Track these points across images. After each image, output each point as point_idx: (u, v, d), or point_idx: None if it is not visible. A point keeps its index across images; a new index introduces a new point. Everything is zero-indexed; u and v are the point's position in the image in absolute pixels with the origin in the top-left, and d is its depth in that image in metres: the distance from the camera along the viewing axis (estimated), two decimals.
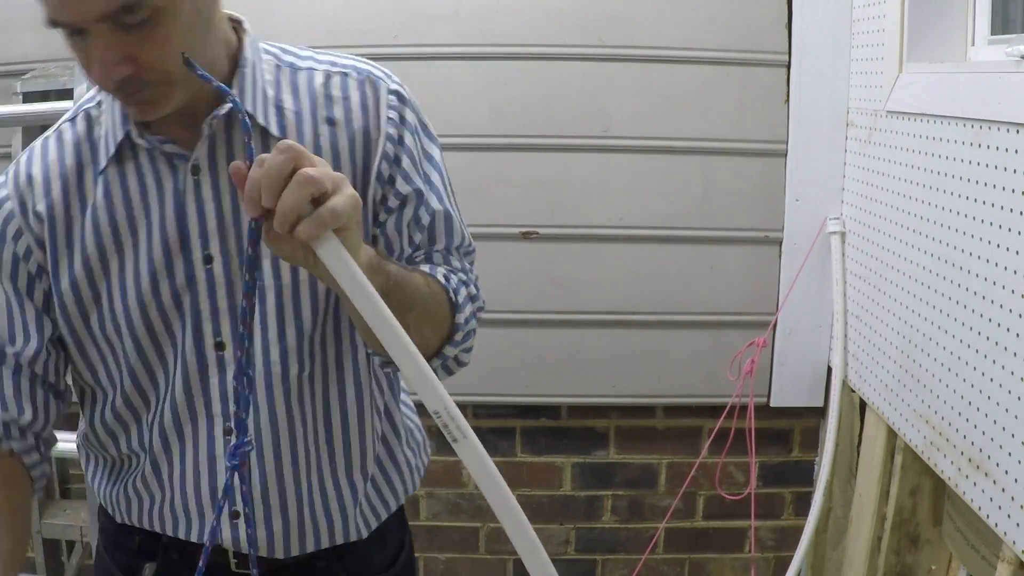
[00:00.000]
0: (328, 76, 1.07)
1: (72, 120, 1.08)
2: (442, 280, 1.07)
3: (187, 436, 1.10)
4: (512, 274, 2.32)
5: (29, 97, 2.18)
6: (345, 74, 1.08)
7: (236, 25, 1.06)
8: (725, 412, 2.31)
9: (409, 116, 1.08)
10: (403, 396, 1.29)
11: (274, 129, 1.03)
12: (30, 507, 1.14)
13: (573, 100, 2.24)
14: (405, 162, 1.07)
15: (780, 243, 2.32)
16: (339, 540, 1.17)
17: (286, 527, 1.13)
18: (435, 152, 1.13)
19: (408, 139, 1.08)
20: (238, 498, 1.06)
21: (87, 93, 1.12)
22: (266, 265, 1.04)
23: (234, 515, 1.10)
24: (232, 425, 1.03)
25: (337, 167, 1.04)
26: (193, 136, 1.01)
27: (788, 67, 2.26)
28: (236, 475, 0.95)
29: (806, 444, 2.43)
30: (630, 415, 2.43)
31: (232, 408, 1.04)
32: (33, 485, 1.13)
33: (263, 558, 1.12)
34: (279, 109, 1.05)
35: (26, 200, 1.05)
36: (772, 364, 2.34)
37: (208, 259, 1.04)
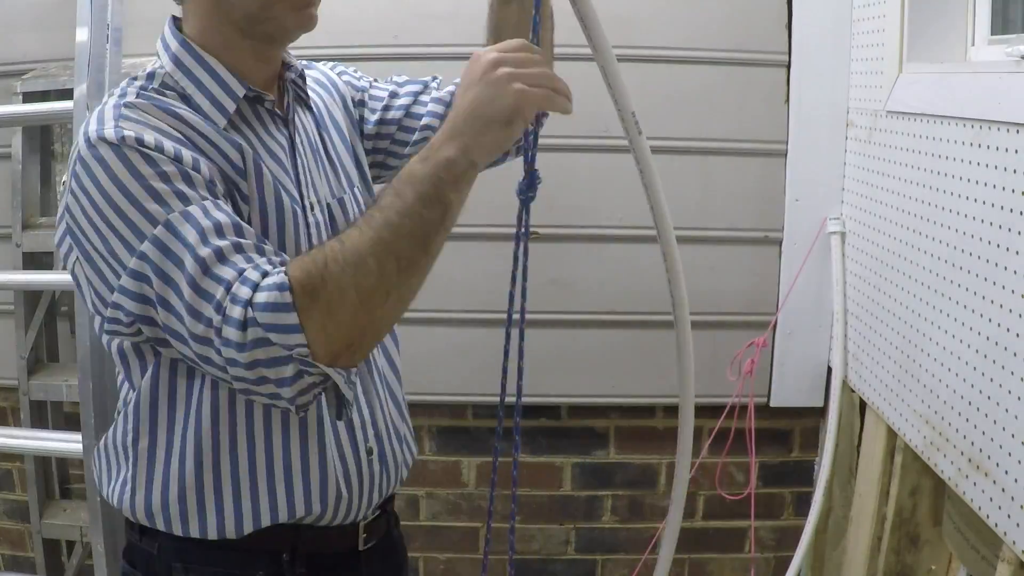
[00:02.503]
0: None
1: (145, 88, 1.10)
2: None
3: None
4: (516, 272, 2.32)
5: (29, 97, 2.18)
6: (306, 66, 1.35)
7: None
8: (725, 412, 2.31)
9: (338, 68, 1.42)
10: None
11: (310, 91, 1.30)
12: None
13: (573, 100, 2.24)
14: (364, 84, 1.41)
15: (780, 243, 2.32)
16: (404, 475, 1.31)
17: (395, 458, 1.27)
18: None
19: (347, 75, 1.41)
20: (370, 432, 1.21)
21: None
22: (350, 211, 1.25)
23: (368, 451, 1.21)
24: None
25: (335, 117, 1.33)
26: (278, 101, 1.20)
27: (788, 67, 2.26)
28: (363, 409, 1.20)
29: (806, 444, 2.43)
30: (630, 415, 2.43)
31: None
32: None
33: (379, 520, 1.27)
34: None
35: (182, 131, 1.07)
36: (772, 364, 2.34)
37: (312, 205, 1.18)
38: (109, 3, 1.84)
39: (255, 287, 0.91)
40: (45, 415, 2.31)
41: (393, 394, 1.31)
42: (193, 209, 0.96)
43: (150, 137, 1.00)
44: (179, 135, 1.03)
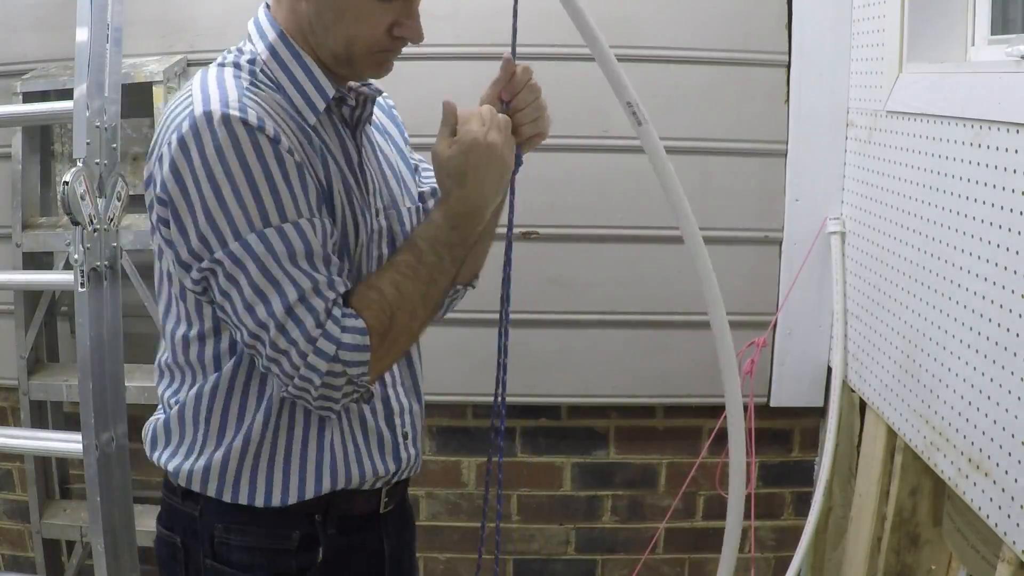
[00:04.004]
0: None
1: (253, 72, 1.16)
2: None
3: None
4: (512, 274, 2.32)
5: (29, 97, 2.19)
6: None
7: None
8: (725, 412, 2.31)
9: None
10: None
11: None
12: None
13: (573, 100, 2.24)
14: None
15: (780, 243, 2.32)
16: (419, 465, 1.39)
17: (420, 442, 1.36)
18: None
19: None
20: (407, 419, 1.31)
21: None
22: (406, 223, 1.30)
23: (404, 435, 1.30)
24: None
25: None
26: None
27: (788, 67, 2.26)
28: (401, 397, 1.30)
29: (806, 444, 2.44)
30: (630, 415, 2.44)
31: None
32: None
33: (398, 486, 1.34)
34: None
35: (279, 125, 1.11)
36: (772, 364, 2.34)
37: (377, 211, 1.23)
38: (109, 3, 1.84)
39: (343, 328, 1.08)
40: (45, 415, 2.31)
41: (420, 399, 1.40)
42: (304, 224, 1.08)
43: (270, 126, 1.07)
44: (291, 133, 1.10)
